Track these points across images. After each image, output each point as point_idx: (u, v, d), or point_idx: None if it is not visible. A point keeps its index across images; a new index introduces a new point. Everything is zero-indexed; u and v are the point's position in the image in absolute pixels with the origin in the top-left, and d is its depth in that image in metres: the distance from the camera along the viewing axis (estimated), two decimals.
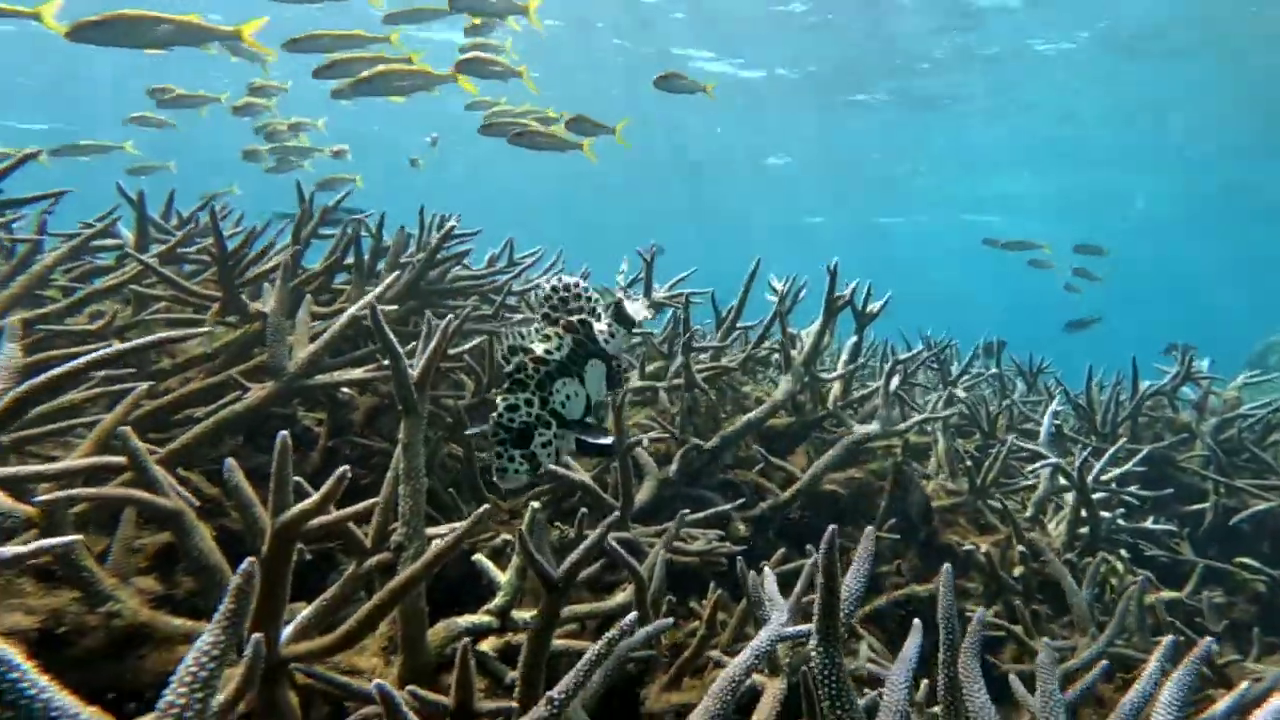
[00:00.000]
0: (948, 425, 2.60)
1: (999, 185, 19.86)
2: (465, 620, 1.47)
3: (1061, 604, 2.08)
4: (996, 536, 2.34)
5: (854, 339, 2.78)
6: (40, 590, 1.16)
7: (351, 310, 1.83)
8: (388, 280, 2.05)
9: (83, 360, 1.17)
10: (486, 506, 1.33)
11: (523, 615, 1.63)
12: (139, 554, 1.45)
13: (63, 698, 0.68)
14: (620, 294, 1.18)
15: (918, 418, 2.47)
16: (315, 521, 1.12)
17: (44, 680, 0.66)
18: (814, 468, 2.28)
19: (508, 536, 1.94)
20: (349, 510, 1.14)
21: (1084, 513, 2.29)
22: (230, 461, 1.14)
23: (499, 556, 1.76)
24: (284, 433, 1.11)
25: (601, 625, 1.87)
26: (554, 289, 1.08)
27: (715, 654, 1.50)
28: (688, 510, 1.95)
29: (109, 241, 2.15)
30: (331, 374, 1.81)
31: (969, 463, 2.40)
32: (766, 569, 1.39)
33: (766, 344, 2.94)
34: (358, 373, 1.81)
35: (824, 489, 2.31)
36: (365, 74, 3.66)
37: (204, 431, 1.51)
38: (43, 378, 1.12)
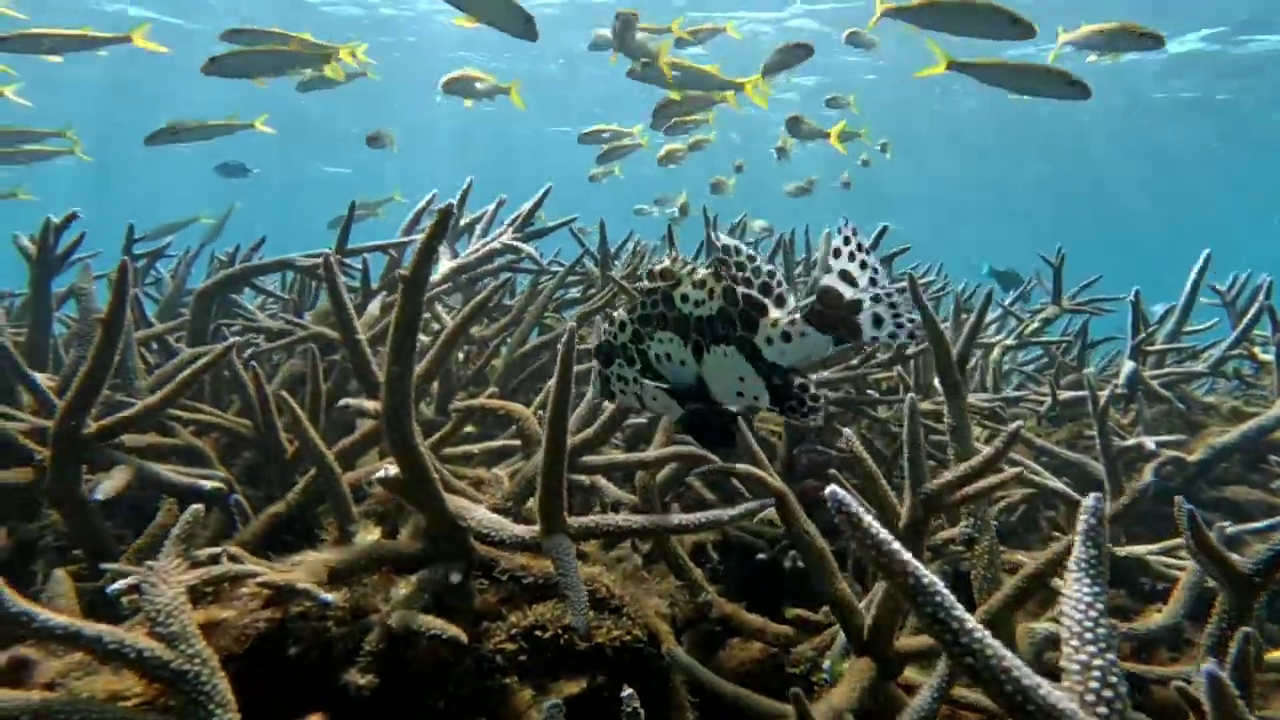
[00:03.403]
0: None
1: None
2: (1041, 626, 1.33)
3: None
4: None
5: None
6: (658, 576, 1.17)
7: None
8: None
9: None
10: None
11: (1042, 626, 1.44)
12: None
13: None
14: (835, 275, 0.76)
15: None
16: (961, 492, 1.01)
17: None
18: None
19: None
20: (990, 480, 1.02)
21: None
22: (848, 431, 1.07)
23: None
24: (911, 395, 1.02)
25: (1138, 648, 1.59)
26: (726, 247, 0.80)
27: None
28: (1227, 523, 1.62)
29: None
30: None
31: None
32: None
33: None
34: (828, 373, 1.73)
35: None
36: None
37: None
38: None
